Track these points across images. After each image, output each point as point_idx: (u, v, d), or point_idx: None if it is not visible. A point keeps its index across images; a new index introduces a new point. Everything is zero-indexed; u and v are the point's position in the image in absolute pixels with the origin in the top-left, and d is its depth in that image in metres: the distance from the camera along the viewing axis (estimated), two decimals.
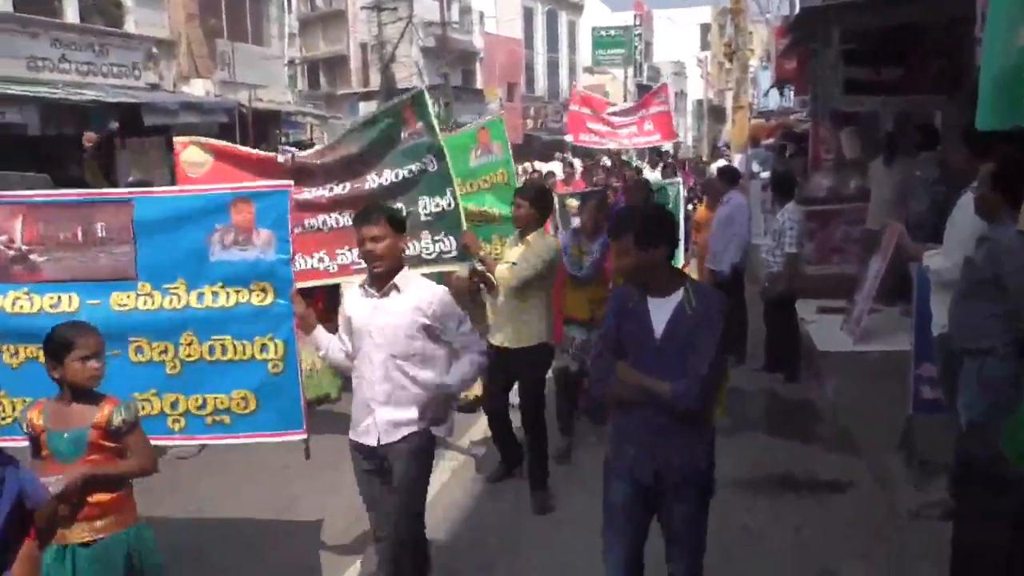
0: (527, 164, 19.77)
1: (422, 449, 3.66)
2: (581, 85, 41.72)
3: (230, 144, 5.21)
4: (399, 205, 4.69)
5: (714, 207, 8.66)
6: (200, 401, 3.85)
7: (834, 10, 8.36)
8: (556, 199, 9.75)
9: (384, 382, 3.59)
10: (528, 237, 5.10)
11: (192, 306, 3.82)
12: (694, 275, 7.09)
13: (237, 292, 3.83)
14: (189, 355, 3.83)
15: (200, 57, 21.54)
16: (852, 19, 8.30)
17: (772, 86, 22.29)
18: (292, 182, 4.10)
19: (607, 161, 19.86)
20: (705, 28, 54.88)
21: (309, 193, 4.89)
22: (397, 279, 3.61)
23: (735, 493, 5.01)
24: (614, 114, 15.99)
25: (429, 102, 5.00)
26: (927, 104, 9.57)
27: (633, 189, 8.12)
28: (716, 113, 55.95)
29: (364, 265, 3.75)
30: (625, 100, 34.03)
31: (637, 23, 48.31)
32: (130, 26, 19.08)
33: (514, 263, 5.04)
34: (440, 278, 5.01)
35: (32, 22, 16.20)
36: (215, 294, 3.82)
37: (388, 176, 4.91)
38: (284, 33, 26.86)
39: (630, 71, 47.22)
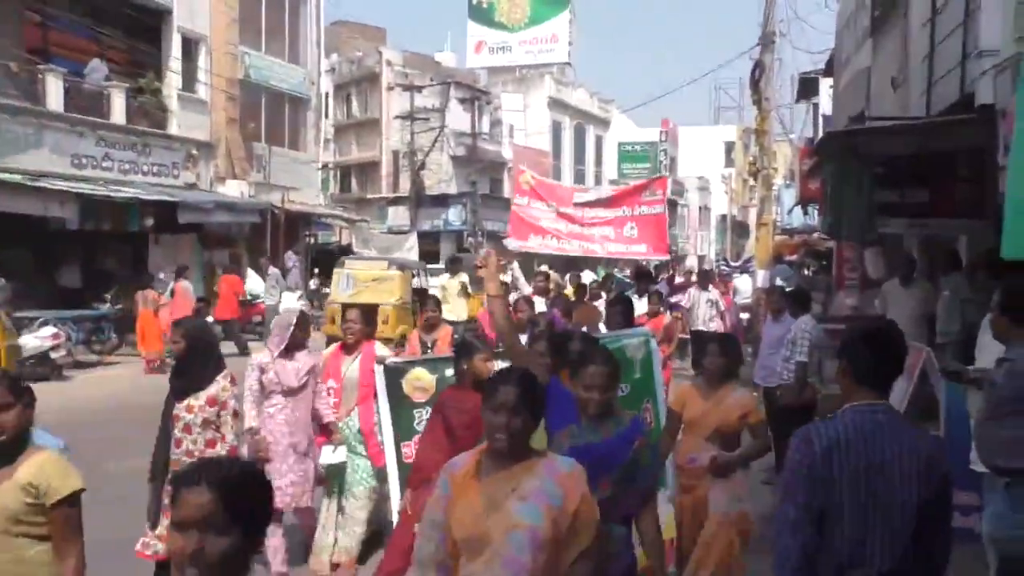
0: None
1: None
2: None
3: None
4: None
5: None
6: None
7: (859, 135, 8.53)
8: None
9: None
10: None
11: None
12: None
13: None
14: None
15: (237, 159, 22.29)
16: (876, 144, 8.45)
17: (796, 204, 22.59)
18: None
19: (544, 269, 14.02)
20: (729, 145, 56.17)
21: None
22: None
23: None
24: (584, 205, 11.98)
25: None
26: (952, 227, 9.61)
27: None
28: (739, 228, 56.54)
29: None
30: None
31: (663, 138, 49.46)
32: (173, 128, 19.87)
33: None
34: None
35: (80, 122, 16.90)
36: None
37: None
38: (319, 139, 27.77)
39: None
